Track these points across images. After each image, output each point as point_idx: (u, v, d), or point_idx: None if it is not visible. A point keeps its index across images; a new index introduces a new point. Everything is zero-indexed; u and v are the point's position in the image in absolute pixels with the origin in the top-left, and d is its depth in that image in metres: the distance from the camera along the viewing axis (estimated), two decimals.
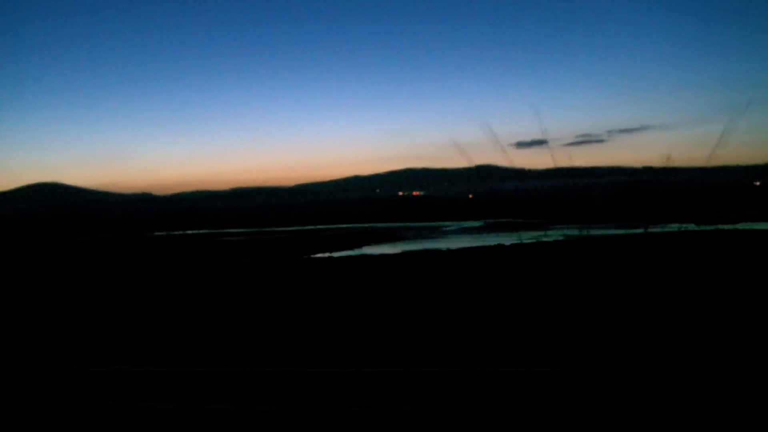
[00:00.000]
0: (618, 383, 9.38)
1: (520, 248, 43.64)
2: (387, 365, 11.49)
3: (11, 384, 11.21)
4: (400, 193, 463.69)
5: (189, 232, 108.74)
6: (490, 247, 47.31)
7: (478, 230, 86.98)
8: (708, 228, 49.55)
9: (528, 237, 56.15)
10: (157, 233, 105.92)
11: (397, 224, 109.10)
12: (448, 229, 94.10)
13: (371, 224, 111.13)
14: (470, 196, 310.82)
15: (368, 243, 68.95)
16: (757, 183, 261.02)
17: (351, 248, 62.53)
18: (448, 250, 48.00)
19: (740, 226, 59.69)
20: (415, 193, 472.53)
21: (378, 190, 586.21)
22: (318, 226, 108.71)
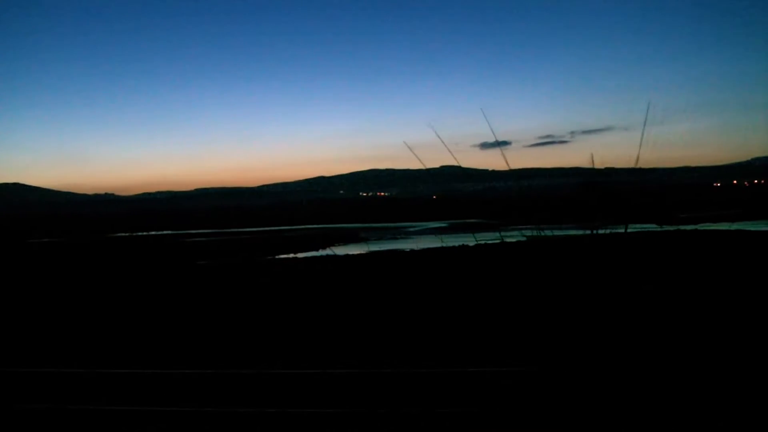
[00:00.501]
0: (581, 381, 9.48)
1: (484, 249, 43.87)
2: (353, 365, 11.49)
3: None
4: (364, 194, 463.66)
5: (152, 233, 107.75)
6: (454, 247, 47.43)
7: (442, 231, 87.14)
8: (669, 228, 50.17)
9: (492, 237, 56.18)
10: (119, 234, 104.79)
11: (362, 225, 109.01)
12: (412, 229, 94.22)
13: (336, 225, 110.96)
14: (434, 196, 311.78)
15: (333, 244, 68.76)
16: (718, 184, 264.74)
17: (316, 249, 62.37)
18: (413, 251, 48.07)
19: (701, 226, 60.45)
20: (379, 193, 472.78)
21: (342, 191, 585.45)
22: (282, 227, 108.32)
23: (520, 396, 9.21)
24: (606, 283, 13.72)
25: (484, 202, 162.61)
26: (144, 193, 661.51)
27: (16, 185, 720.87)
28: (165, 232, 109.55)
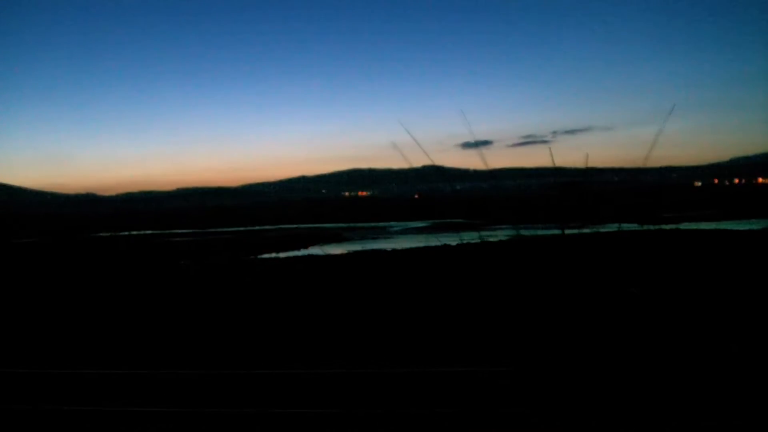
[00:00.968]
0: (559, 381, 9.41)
1: (465, 248, 43.83)
2: (335, 366, 11.39)
3: None
4: (346, 194, 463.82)
5: (135, 233, 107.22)
6: (436, 247, 47.42)
7: (423, 230, 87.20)
8: (651, 228, 50.34)
9: (473, 237, 56.18)
10: (102, 234, 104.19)
11: (344, 225, 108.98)
12: (394, 229, 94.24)
13: (318, 225, 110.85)
14: (416, 196, 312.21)
15: (315, 243, 68.68)
16: (698, 183, 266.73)
17: (298, 249, 62.24)
18: (394, 251, 48.00)
19: (682, 225, 60.72)
20: (361, 193, 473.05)
21: (324, 191, 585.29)
22: (264, 227, 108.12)
23: (498, 396, 9.12)
24: (588, 284, 13.65)
25: (466, 201, 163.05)
26: (126, 193, 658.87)
27: None
28: (147, 232, 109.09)
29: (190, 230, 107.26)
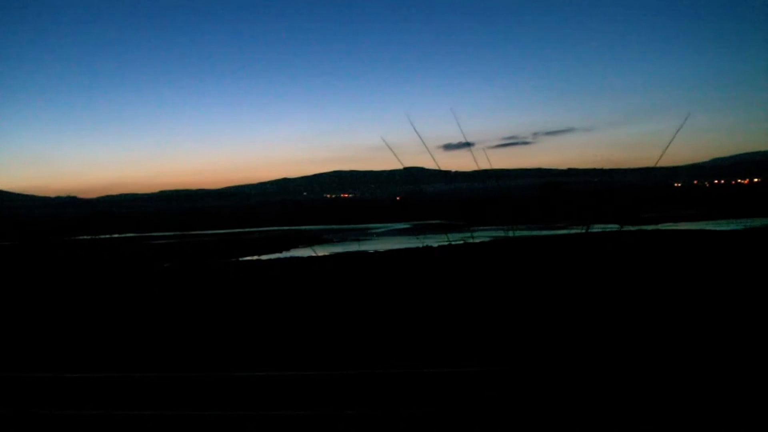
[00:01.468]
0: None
1: (448, 250, 43.91)
2: (314, 367, 11.34)
3: None
4: (328, 196, 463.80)
5: (115, 235, 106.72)
6: (418, 249, 47.46)
7: (406, 232, 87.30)
8: (631, 228, 50.59)
9: (455, 238, 56.58)
10: (82, 237, 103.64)
11: (326, 227, 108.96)
12: (376, 231, 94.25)
13: (299, 227, 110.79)
14: (398, 198, 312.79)
15: (296, 246, 68.57)
16: (678, 184, 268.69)
17: (279, 251, 62.13)
18: (376, 252, 48.00)
19: (662, 226, 61.12)
20: (343, 195, 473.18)
21: (305, 193, 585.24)
22: (246, 229, 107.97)
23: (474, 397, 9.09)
24: (570, 285, 13.67)
25: (448, 203, 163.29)
26: (106, 196, 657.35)
27: None
28: (128, 234, 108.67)
29: (172, 233, 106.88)
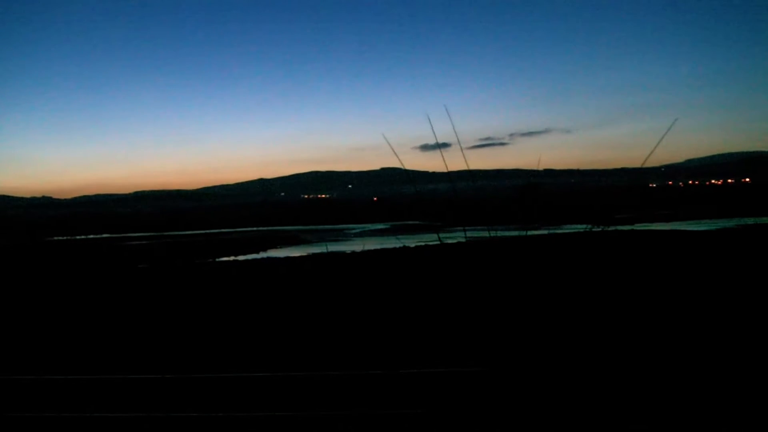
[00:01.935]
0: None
1: (424, 250, 44.04)
2: (291, 369, 11.42)
3: None
4: (305, 196, 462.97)
5: (91, 236, 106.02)
6: (395, 249, 47.55)
7: (383, 232, 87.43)
8: (607, 229, 50.91)
9: (432, 239, 56.75)
10: (57, 238, 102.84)
11: (303, 227, 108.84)
12: (353, 231, 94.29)
13: (277, 227, 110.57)
14: (375, 198, 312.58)
15: (274, 246, 68.52)
16: (653, 185, 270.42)
17: (256, 252, 62.03)
18: (353, 253, 48.03)
19: (637, 226, 61.60)
20: (320, 195, 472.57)
21: (283, 193, 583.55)
22: (223, 230, 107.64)
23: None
24: (542, 284, 13.84)
25: (425, 203, 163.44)
26: (82, 196, 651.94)
27: None
28: (104, 235, 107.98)
29: (149, 234, 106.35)
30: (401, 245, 50.40)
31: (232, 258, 55.02)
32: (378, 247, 54.37)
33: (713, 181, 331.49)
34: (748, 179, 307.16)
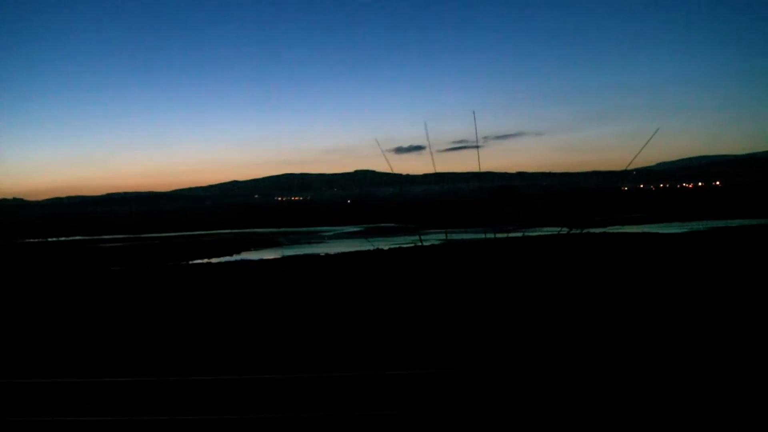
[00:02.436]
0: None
1: (398, 252, 44.08)
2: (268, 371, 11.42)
3: None
4: (279, 198, 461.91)
5: (63, 238, 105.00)
6: (369, 251, 47.55)
7: (357, 235, 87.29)
8: (579, 231, 51.22)
9: (407, 241, 56.84)
10: (29, 240, 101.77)
11: (277, 230, 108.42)
12: (327, 234, 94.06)
13: (251, 230, 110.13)
14: (349, 201, 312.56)
15: (248, 248, 68.20)
16: (625, 188, 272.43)
17: (230, 254, 61.70)
18: (327, 255, 47.96)
19: (609, 229, 62.00)
20: (294, 198, 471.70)
21: (257, 196, 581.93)
22: (196, 232, 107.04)
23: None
24: (514, 288, 13.92)
25: (399, 206, 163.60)
26: (54, 198, 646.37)
27: None
28: (77, 237, 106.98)
29: (122, 236, 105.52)
30: (375, 248, 50.45)
31: (205, 260, 54.67)
32: (352, 249, 54.35)
33: (684, 184, 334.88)
34: (718, 182, 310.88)
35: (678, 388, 9.14)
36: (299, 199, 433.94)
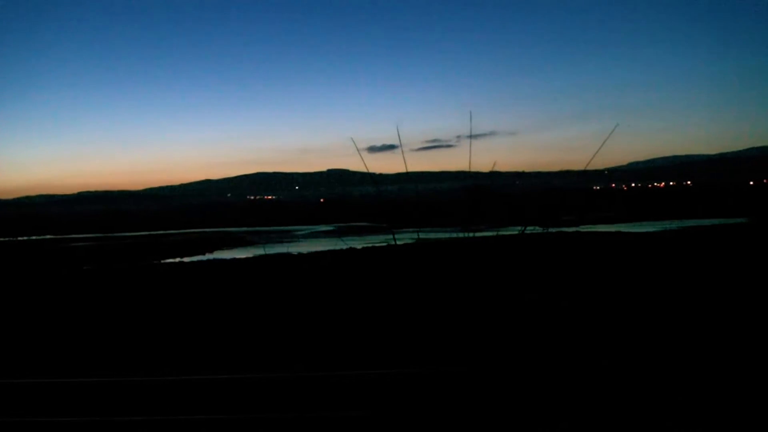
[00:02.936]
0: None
1: (370, 252, 44.12)
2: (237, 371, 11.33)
3: None
4: (252, 197, 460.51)
5: (33, 237, 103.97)
6: (342, 250, 47.53)
7: (330, 234, 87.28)
8: (552, 231, 51.63)
9: (379, 240, 56.93)
10: None
11: (249, 228, 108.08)
12: (300, 233, 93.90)
13: (223, 228, 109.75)
14: (322, 200, 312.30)
15: (220, 247, 67.91)
16: (597, 187, 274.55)
17: (203, 253, 61.40)
18: (300, 255, 47.87)
19: (582, 228, 62.40)
20: (267, 197, 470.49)
21: (229, 194, 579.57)
22: (168, 231, 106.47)
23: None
24: (487, 288, 13.90)
25: (372, 205, 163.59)
26: (24, 197, 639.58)
27: None
28: (47, 236, 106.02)
29: (92, 235, 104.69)
30: (347, 247, 50.42)
31: (178, 259, 54.36)
32: (325, 248, 54.32)
33: (656, 183, 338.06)
34: (689, 182, 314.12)
35: (651, 384, 9.15)
36: (272, 198, 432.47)
